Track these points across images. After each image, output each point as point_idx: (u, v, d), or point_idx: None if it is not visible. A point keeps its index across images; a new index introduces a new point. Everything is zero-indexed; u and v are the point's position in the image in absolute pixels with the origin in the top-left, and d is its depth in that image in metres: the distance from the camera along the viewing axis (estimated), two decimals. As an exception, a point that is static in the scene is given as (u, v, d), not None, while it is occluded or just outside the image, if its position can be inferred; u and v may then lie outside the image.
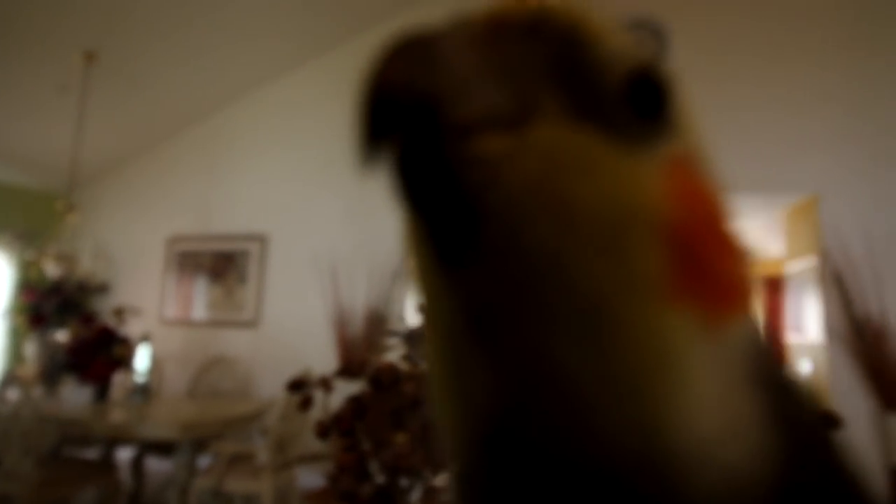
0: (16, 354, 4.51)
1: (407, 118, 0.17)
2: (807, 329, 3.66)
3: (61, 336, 3.66)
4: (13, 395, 2.85)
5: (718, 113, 3.62)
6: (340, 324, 4.06)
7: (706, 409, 0.18)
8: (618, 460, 0.17)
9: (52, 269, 3.95)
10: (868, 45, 3.49)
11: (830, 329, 3.32)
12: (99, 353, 3.35)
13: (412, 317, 3.75)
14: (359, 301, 4.09)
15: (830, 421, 2.39)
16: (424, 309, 0.22)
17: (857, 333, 3.25)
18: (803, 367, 3.75)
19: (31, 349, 3.86)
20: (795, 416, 0.20)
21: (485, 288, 0.18)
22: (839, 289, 3.31)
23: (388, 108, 0.18)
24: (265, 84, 4.64)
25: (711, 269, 0.18)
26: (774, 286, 7.15)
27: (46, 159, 4.56)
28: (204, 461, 3.39)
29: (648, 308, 0.17)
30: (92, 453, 3.48)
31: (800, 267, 3.82)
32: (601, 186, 0.18)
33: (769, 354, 0.20)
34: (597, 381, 0.17)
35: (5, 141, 4.35)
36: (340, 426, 1.34)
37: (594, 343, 0.17)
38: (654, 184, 0.19)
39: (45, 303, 3.86)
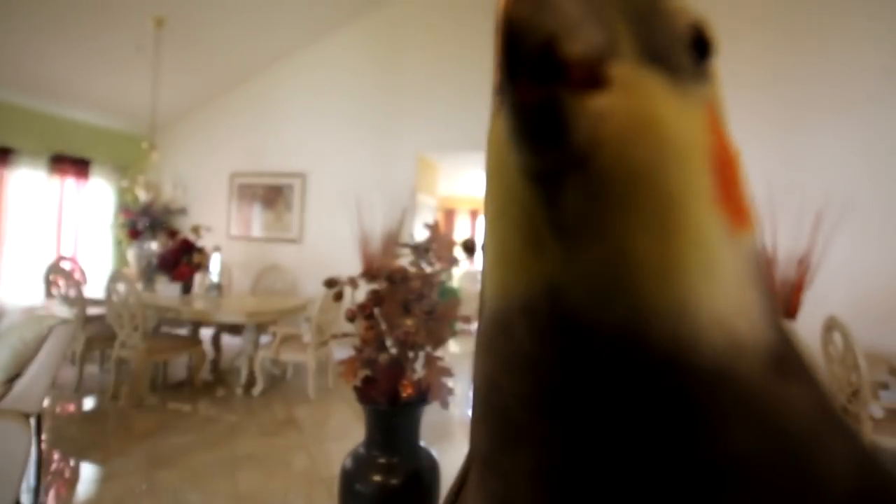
0: (121, 258, 4.60)
1: (531, 50, 0.16)
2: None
3: (153, 246, 3.73)
4: (121, 288, 2.95)
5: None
6: (364, 241, 4.13)
7: (726, 288, 0.18)
8: (655, 326, 0.18)
9: (142, 195, 3.96)
10: (783, 31, 3.34)
11: (733, 256, 3.40)
12: (182, 259, 3.44)
13: (420, 233, 3.80)
14: (377, 224, 4.14)
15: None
16: (494, 211, 0.20)
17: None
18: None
19: (131, 254, 3.94)
20: (775, 311, 0.20)
21: (573, 205, 0.17)
22: (743, 226, 3.37)
23: (517, 41, 0.16)
24: (308, 46, 4.45)
25: (735, 191, 0.19)
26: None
27: (131, 107, 4.45)
28: (264, 339, 3.56)
29: (702, 210, 0.18)
30: (182, 331, 3.64)
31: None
32: (674, 119, 0.18)
33: (764, 266, 0.21)
34: (656, 262, 0.17)
35: (98, 93, 4.23)
36: (364, 312, 1.41)
37: (662, 232, 0.17)
38: (703, 119, 0.19)
39: (139, 220, 3.90)
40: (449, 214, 7.58)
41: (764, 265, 0.20)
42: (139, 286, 3.44)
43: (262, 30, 4.03)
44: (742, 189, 0.19)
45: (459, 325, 1.58)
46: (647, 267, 0.17)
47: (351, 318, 1.46)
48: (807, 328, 3.15)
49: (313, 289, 4.13)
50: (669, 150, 0.17)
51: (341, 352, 3.70)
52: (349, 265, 4.08)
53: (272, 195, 4.55)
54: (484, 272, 0.23)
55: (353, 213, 4.19)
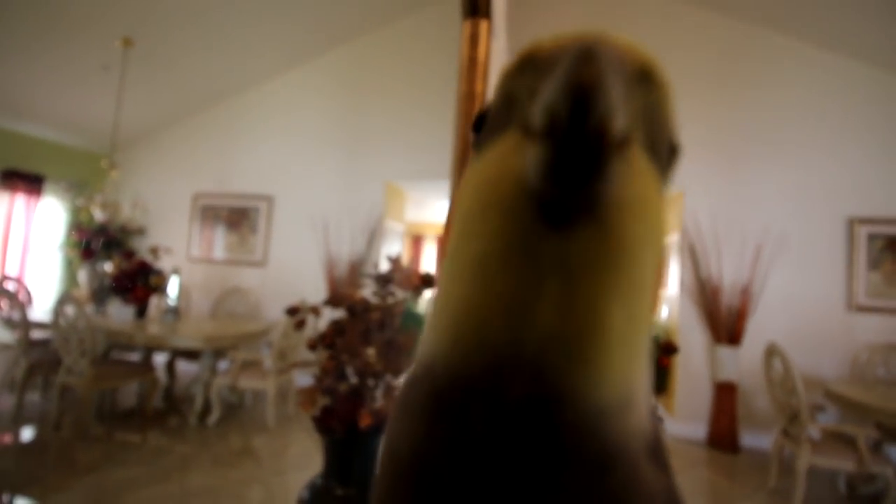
0: (71, 279, 4.37)
1: (591, 109, 0.17)
2: (667, 285, 3.88)
3: (107, 267, 3.58)
4: (70, 310, 2.80)
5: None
6: (329, 266, 4.09)
7: (644, 373, 0.19)
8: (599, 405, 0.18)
9: (98, 214, 3.81)
10: (725, 85, 3.62)
11: (683, 285, 3.55)
12: (138, 282, 3.30)
13: (383, 264, 3.80)
14: (344, 250, 4.13)
15: (673, 349, 2.60)
16: (477, 253, 0.20)
17: (700, 289, 3.49)
18: (663, 311, 3.98)
19: (83, 276, 3.75)
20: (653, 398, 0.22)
21: (582, 248, 0.18)
22: (691, 257, 3.53)
23: (580, 94, 0.17)
24: (279, 74, 4.47)
25: (663, 281, 0.22)
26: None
27: (93, 125, 4.32)
28: (222, 365, 3.43)
29: (654, 295, 0.19)
30: (134, 357, 3.46)
31: (666, 241, 4.00)
32: (662, 209, 0.20)
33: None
34: (619, 334, 0.18)
35: (59, 108, 4.10)
36: (325, 341, 1.40)
37: (630, 307, 0.18)
38: (667, 213, 0.24)
39: (93, 240, 3.74)
40: (417, 241, 7.62)
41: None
42: (89, 309, 3.28)
43: (234, 57, 4.03)
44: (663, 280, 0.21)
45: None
46: (611, 337, 0.18)
47: (312, 346, 1.45)
48: (751, 353, 3.32)
49: (276, 313, 4.04)
50: (655, 235, 0.19)
51: (304, 378, 3.61)
52: (314, 289, 4.02)
53: (237, 217, 4.47)
54: (440, 322, 0.21)
55: (319, 237, 4.16)
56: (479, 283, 0.19)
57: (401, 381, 1.48)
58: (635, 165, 0.19)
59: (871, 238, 3.32)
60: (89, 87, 3.88)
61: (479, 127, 0.24)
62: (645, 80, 0.20)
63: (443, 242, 0.24)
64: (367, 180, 4.19)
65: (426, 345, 0.23)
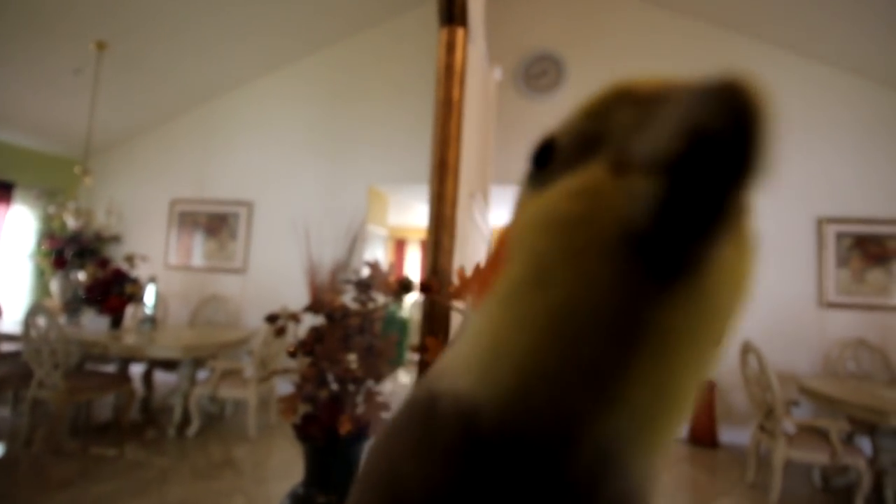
0: (43, 289, 4.25)
1: (741, 128, 0.14)
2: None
3: (81, 276, 3.49)
4: (42, 321, 2.72)
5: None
6: (311, 272, 4.06)
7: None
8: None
9: (71, 222, 3.72)
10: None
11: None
12: (113, 291, 3.23)
13: (364, 269, 3.78)
14: (326, 255, 4.10)
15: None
16: (562, 304, 0.17)
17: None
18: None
19: (55, 286, 3.65)
20: None
21: (683, 314, 0.16)
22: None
23: (734, 113, 0.14)
24: (256, 78, 4.43)
25: None
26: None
27: (65, 130, 4.21)
28: (201, 375, 3.37)
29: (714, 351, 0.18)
30: (110, 368, 3.37)
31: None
32: (747, 285, 0.18)
33: None
34: (686, 400, 0.17)
35: (30, 113, 3.98)
36: (305, 348, 1.39)
37: (706, 374, 0.17)
38: None
39: (66, 248, 3.64)
40: (400, 245, 7.62)
41: None
42: (62, 319, 3.19)
43: (212, 60, 3.98)
44: None
45: (409, 356, 1.58)
46: (685, 410, 0.17)
47: (292, 353, 1.45)
48: (727, 351, 3.40)
49: (257, 321, 3.99)
50: (738, 306, 0.17)
51: (283, 387, 3.57)
52: (296, 296, 3.99)
53: (216, 223, 4.40)
54: (495, 367, 0.19)
55: (301, 242, 4.13)
56: (559, 338, 0.17)
57: (384, 389, 1.48)
58: (745, 224, 0.17)
59: (840, 237, 3.44)
60: (61, 90, 3.79)
61: (543, 159, 0.21)
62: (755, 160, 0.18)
63: (489, 277, 0.21)
64: (349, 185, 4.18)
65: (459, 380, 0.20)
